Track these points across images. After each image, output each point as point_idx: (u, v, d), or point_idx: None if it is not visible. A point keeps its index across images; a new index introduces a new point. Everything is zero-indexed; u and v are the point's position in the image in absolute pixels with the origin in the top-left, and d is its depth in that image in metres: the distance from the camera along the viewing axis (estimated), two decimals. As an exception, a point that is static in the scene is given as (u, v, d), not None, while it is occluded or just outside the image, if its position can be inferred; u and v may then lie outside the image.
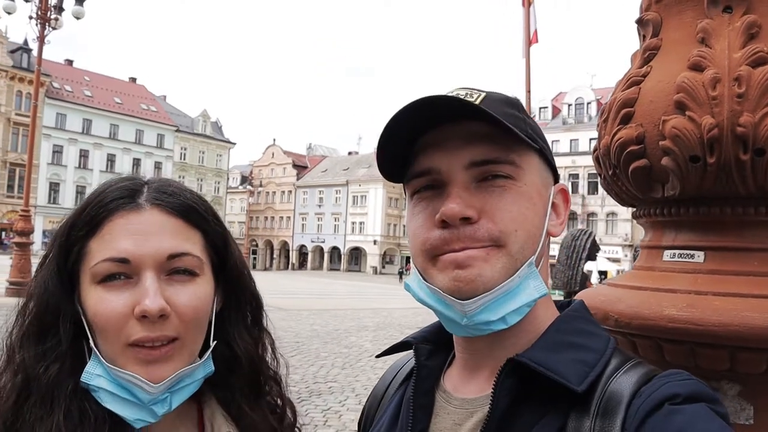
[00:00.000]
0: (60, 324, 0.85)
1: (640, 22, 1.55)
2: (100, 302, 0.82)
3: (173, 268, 0.85)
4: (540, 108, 57.14)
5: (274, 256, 79.72)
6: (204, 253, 0.90)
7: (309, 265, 75.20)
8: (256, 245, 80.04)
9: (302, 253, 77.32)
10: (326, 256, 74.03)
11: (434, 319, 0.88)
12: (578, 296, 1.54)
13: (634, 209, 1.57)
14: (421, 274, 0.80)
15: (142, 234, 0.84)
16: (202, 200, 0.94)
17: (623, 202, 1.56)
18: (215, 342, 0.91)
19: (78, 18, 16.59)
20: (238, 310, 0.98)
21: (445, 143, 0.77)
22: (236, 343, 0.95)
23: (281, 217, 78.75)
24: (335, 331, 14.19)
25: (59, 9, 16.22)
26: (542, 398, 0.73)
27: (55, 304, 0.86)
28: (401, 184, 0.85)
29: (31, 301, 0.88)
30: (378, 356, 1.05)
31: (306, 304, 22.13)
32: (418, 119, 0.77)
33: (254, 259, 78.17)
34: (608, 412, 0.70)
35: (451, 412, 0.82)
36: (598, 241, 5.68)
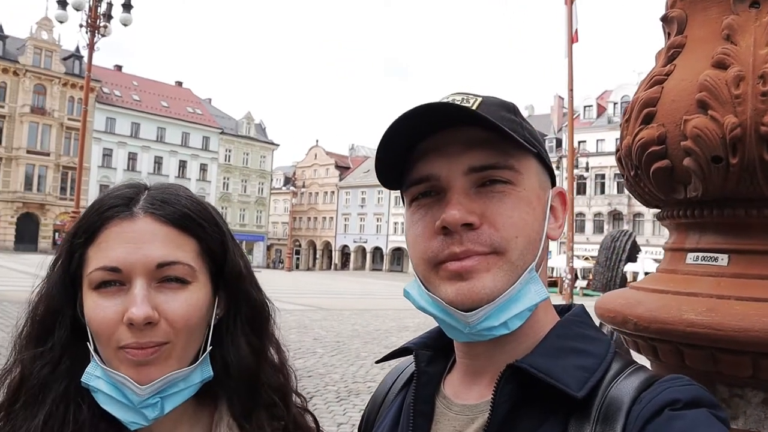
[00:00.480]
0: (56, 329, 0.88)
1: (665, 20, 1.52)
2: (95, 308, 0.84)
3: (164, 276, 0.86)
4: (585, 106, 56.13)
5: (317, 256, 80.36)
6: (198, 260, 0.90)
7: (351, 265, 75.57)
8: (300, 245, 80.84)
9: (345, 253, 77.76)
10: (368, 256, 74.28)
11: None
12: (600, 299, 1.51)
13: (658, 211, 1.54)
14: (422, 282, 0.80)
15: (134, 242, 0.85)
16: (201, 206, 0.94)
17: (647, 204, 1.53)
18: (211, 347, 0.92)
19: (125, 25, 17.05)
20: (236, 317, 0.97)
21: (443, 149, 0.77)
22: (228, 350, 0.95)
23: (324, 218, 79.33)
24: (376, 331, 14.23)
25: (108, 17, 16.74)
26: (542, 404, 0.73)
27: (56, 308, 0.89)
28: None
29: (40, 304, 0.91)
30: (377, 362, 1.05)
31: (348, 304, 22.25)
32: (415, 126, 0.76)
33: (297, 259, 78.94)
34: (608, 418, 0.69)
35: (451, 418, 0.82)
36: (645, 242, 5.56)
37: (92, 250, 0.87)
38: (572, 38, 14.62)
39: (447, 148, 0.77)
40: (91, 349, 0.86)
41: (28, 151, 52.21)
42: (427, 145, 0.78)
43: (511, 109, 0.82)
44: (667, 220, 1.47)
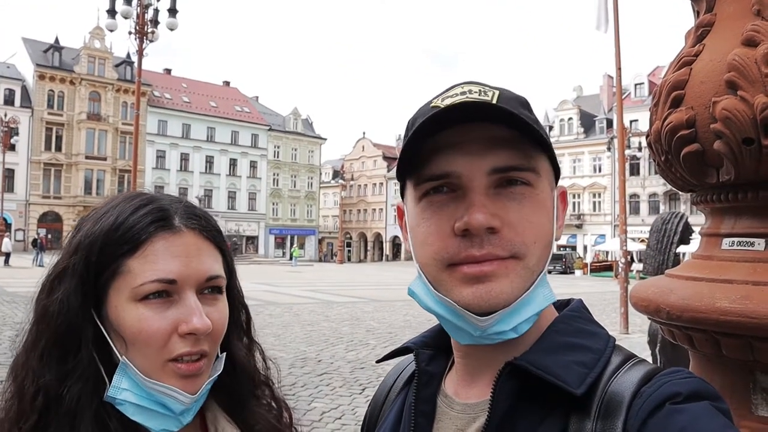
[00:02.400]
0: (82, 343, 0.87)
1: (693, -2, 1.47)
2: (144, 320, 0.85)
3: (206, 287, 0.90)
4: (636, 84, 54.42)
5: (368, 248, 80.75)
6: (223, 271, 0.96)
7: (403, 255, 75.66)
8: (350, 238, 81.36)
9: (396, 244, 77.84)
10: (419, 247, 74.02)
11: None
12: (634, 287, 1.48)
13: (694, 195, 1.49)
14: (430, 282, 0.77)
15: (186, 255, 0.89)
16: (215, 221, 1.01)
17: (680, 188, 1.49)
18: (224, 353, 0.96)
19: (172, 29, 17.43)
20: (236, 322, 1.03)
21: (465, 146, 0.73)
22: (234, 352, 1.00)
23: (374, 209, 79.55)
24: (428, 321, 14.13)
25: (155, 23, 17.16)
26: (542, 401, 0.72)
27: (77, 323, 0.87)
28: None
29: (47, 318, 0.88)
30: (378, 362, 1.05)
31: (399, 295, 22.28)
32: (434, 120, 0.73)
33: (349, 251, 79.47)
34: (609, 413, 0.68)
35: (453, 417, 0.81)
36: (702, 223, 5.33)
37: (136, 262, 0.86)
38: (616, 18, 14.21)
39: (468, 145, 0.73)
40: (122, 360, 0.86)
41: (87, 157, 54.12)
42: (443, 139, 0.74)
43: (526, 104, 0.79)
44: (701, 204, 1.43)
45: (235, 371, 1.00)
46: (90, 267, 0.88)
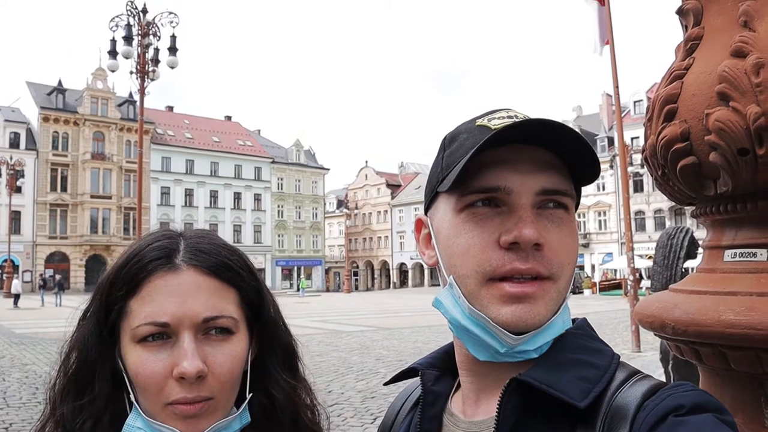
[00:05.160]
0: (96, 380, 0.88)
1: (681, 13, 1.48)
2: (141, 363, 0.84)
3: (209, 327, 0.87)
4: (635, 102, 54.74)
5: (375, 276, 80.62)
6: (239, 310, 0.91)
7: (410, 282, 75.44)
8: (357, 267, 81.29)
9: (402, 271, 77.72)
10: (426, 273, 73.93)
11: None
12: (639, 303, 1.47)
13: (694, 208, 1.49)
14: (465, 296, 0.77)
15: (180, 295, 0.86)
16: (237, 255, 0.95)
17: (680, 202, 1.48)
18: (251, 394, 0.92)
19: (172, 67, 17.68)
20: (274, 360, 0.98)
21: (515, 164, 0.75)
22: (274, 392, 0.95)
23: (379, 237, 79.62)
24: (437, 347, 14.07)
25: (156, 61, 17.41)
26: (548, 416, 0.72)
27: (92, 360, 0.89)
28: None
29: (72, 354, 0.91)
30: (386, 384, 1.05)
31: (408, 322, 22.19)
32: (484, 138, 0.75)
33: (356, 280, 79.32)
34: (614, 427, 0.68)
35: None
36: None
37: (135, 302, 0.86)
38: (607, 38, 14.33)
39: (519, 164, 0.76)
40: (132, 398, 0.86)
41: (92, 196, 54.54)
42: (492, 156, 0.75)
43: None
44: (701, 217, 1.42)
45: (274, 412, 0.95)
46: (102, 307, 0.89)
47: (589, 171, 0.79)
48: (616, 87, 14.38)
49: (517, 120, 0.76)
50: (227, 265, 0.91)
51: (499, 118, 0.79)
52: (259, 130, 75.71)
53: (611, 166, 54.62)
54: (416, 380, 0.94)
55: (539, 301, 0.74)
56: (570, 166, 0.78)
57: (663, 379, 4.72)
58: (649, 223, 52.71)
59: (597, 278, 51.20)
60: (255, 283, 0.95)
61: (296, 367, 1.02)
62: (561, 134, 0.74)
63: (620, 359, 0.79)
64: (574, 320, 0.85)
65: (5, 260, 45.07)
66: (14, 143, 52.41)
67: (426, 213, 0.88)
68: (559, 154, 0.76)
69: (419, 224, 0.89)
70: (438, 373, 0.90)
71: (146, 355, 0.84)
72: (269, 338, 0.97)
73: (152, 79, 17.41)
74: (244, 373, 0.92)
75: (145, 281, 0.87)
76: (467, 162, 0.74)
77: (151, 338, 0.85)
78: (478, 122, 0.81)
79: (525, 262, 0.73)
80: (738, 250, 1.29)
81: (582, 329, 0.82)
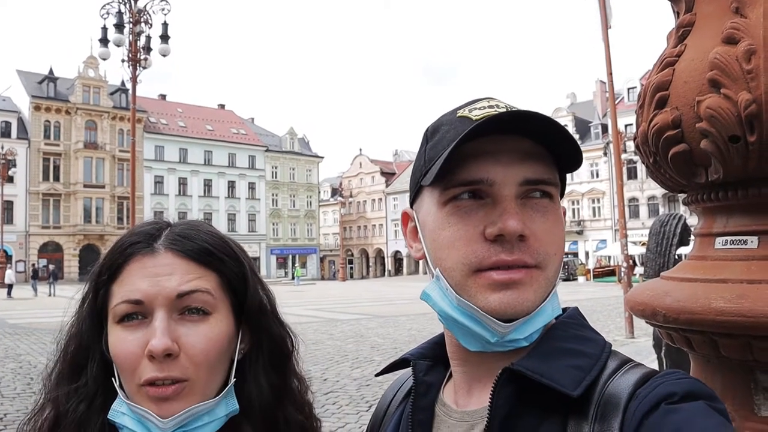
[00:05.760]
0: (89, 364, 0.90)
1: (673, -1, 1.47)
2: (119, 342, 0.85)
3: (185, 307, 0.86)
4: (629, 89, 54.66)
5: (370, 264, 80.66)
6: (219, 291, 0.90)
7: (405, 270, 75.57)
8: (352, 255, 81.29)
9: (397, 258, 77.79)
10: (421, 261, 73.94)
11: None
12: (630, 291, 1.47)
13: (685, 195, 1.49)
14: (453, 288, 0.77)
15: (155, 275, 0.86)
16: (221, 241, 0.95)
17: (671, 189, 1.48)
18: (234, 380, 0.91)
19: (164, 55, 17.52)
20: (258, 353, 0.96)
21: (497, 155, 0.75)
22: (248, 387, 0.94)
23: (374, 225, 79.60)
24: (432, 334, 14.12)
25: (147, 49, 17.25)
26: (540, 405, 0.73)
27: (86, 345, 0.91)
28: None
29: (71, 342, 0.93)
30: (377, 375, 1.04)
31: (403, 310, 22.24)
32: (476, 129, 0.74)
33: (351, 268, 79.38)
34: (606, 415, 0.69)
35: (451, 425, 0.81)
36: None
37: (116, 286, 0.88)
38: (605, 24, 14.29)
39: (501, 155, 0.75)
40: (116, 384, 0.87)
41: (85, 185, 54.29)
42: (474, 147, 0.75)
43: None
44: (692, 205, 1.42)
45: (251, 411, 0.93)
46: (94, 294, 0.91)
47: (572, 160, 0.78)
48: (610, 74, 14.36)
49: (498, 111, 0.76)
50: (206, 250, 0.91)
51: (480, 109, 0.78)
52: (252, 119, 75.41)
53: (605, 153, 54.72)
54: (408, 370, 0.93)
55: (527, 288, 0.74)
56: (553, 154, 0.78)
57: (656, 364, 4.75)
58: (643, 210, 52.90)
59: (591, 265, 51.39)
60: (240, 270, 0.94)
61: (284, 362, 1.00)
62: (541, 124, 0.73)
63: (612, 347, 0.79)
64: (565, 309, 0.84)
65: (-2, 250, 44.88)
66: (5, 132, 52.02)
67: (411, 206, 0.88)
68: (542, 143, 0.76)
69: (405, 217, 0.88)
70: (430, 363, 0.89)
71: (123, 335, 0.85)
72: (256, 329, 0.96)
73: (144, 68, 17.24)
74: (232, 362, 0.92)
75: (124, 265, 0.89)
76: (449, 155, 0.73)
77: (127, 318, 0.86)
78: (459, 113, 0.80)
79: (510, 253, 0.73)
80: (729, 238, 1.29)
81: (574, 318, 0.82)
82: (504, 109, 0.76)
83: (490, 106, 0.78)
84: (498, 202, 0.74)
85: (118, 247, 0.91)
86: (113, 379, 0.88)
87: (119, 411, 0.86)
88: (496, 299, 0.73)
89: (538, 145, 0.76)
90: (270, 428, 0.94)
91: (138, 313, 0.86)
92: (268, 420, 0.94)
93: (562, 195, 0.83)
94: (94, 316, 0.91)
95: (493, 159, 0.75)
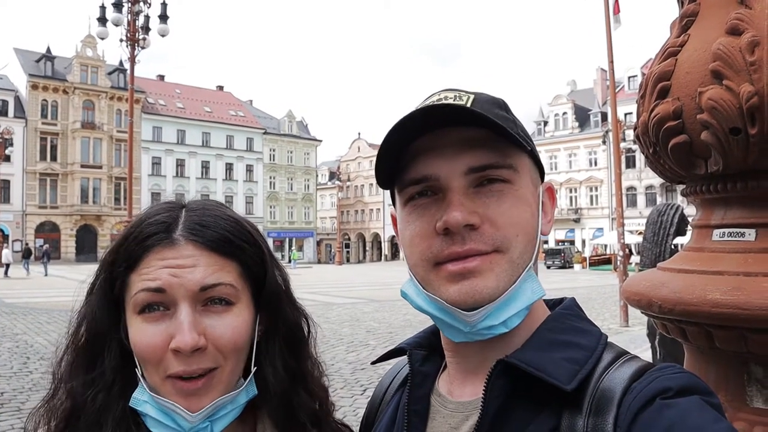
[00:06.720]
0: (105, 353, 0.89)
1: (677, -12, 1.46)
2: (140, 333, 0.84)
3: (208, 298, 0.86)
4: (629, 77, 54.48)
5: (367, 248, 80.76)
6: (240, 280, 0.90)
7: (401, 254, 75.62)
8: (349, 239, 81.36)
9: (394, 243, 77.78)
10: (418, 246, 74.03)
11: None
12: (627, 281, 1.47)
13: (684, 186, 1.48)
14: (419, 283, 0.79)
15: (177, 267, 0.85)
16: (240, 227, 0.93)
17: (670, 180, 1.48)
18: (255, 368, 0.92)
19: (163, 36, 17.40)
20: (274, 338, 0.96)
21: (441, 149, 0.76)
22: (265, 370, 0.94)
23: (371, 210, 79.59)
24: (427, 320, 14.15)
25: (146, 29, 17.12)
26: (535, 398, 0.73)
27: (102, 333, 0.89)
28: None
29: (81, 328, 0.91)
30: (373, 363, 1.05)
31: (398, 295, 22.19)
32: (410, 127, 0.76)
33: (347, 252, 79.51)
34: (600, 409, 0.68)
35: (446, 415, 0.82)
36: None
37: (134, 276, 0.86)
38: (615, 9, 14.23)
39: (444, 149, 0.76)
40: (139, 374, 0.86)
41: (82, 165, 54.06)
42: (422, 144, 0.77)
43: (503, 105, 0.81)
44: (691, 196, 1.42)
45: (267, 394, 0.93)
46: (107, 282, 0.90)
47: (513, 137, 0.76)
48: (611, 62, 14.29)
49: (442, 103, 0.76)
50: (227, 239, 0.90)
51: (424, 104, 0.78)
52: (251, 101, 75.05)
53: (604, 142, 54.63)
54: (404, 358, 0.94)
55: (486, 274, 0.74)
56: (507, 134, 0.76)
57: (650, 353, 4.76)
58: (641, 199, 52.91)
59: (587, 253, 51.51)
60: (259, 256, 0.94)
61: (299, 347, 1.00)
62: (464, 114, 0.73)
63: (608, 339, 0.79)
64: (562, 299, 0.84)
65: (-5, 229, 44.84)
66: (2, 111, 51.68)
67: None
68: (488, 128, 0.74)
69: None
70: (425, 353, 0.90)
71: (145, 327, 0.84)
72: (273, 313, 0.96)
73: (142, 47, 17.13)
74: (252, 345, 0.92)
75: (143, 256, 0.87)
76: (400, 155, 0.77)
77: (149, 309, 0.84)
78: (409, 112, 0.79)
79: (462, 244, 0.74)
80: (726, 230, 1.29)
81: (570, 309, 0.82)
82: (452, 101, 0.77)
83: (438, 100, 0.78)
84: (445, 195, 0.76)
85: (134, 237, 0.88)
86: (136, 369, 0.87)
87: (141, 399, 0.86)
88: (455, 290, 0.74)
89: (483, 129, 0.75)
90: (286, 410, 0.95)
91: (159, 304, 0.84)
92: (283, 402, 0.95)
93: (542, 176, 0.84)
94: (110, 305, 0.89)
95: (438, 153, 0.76)
